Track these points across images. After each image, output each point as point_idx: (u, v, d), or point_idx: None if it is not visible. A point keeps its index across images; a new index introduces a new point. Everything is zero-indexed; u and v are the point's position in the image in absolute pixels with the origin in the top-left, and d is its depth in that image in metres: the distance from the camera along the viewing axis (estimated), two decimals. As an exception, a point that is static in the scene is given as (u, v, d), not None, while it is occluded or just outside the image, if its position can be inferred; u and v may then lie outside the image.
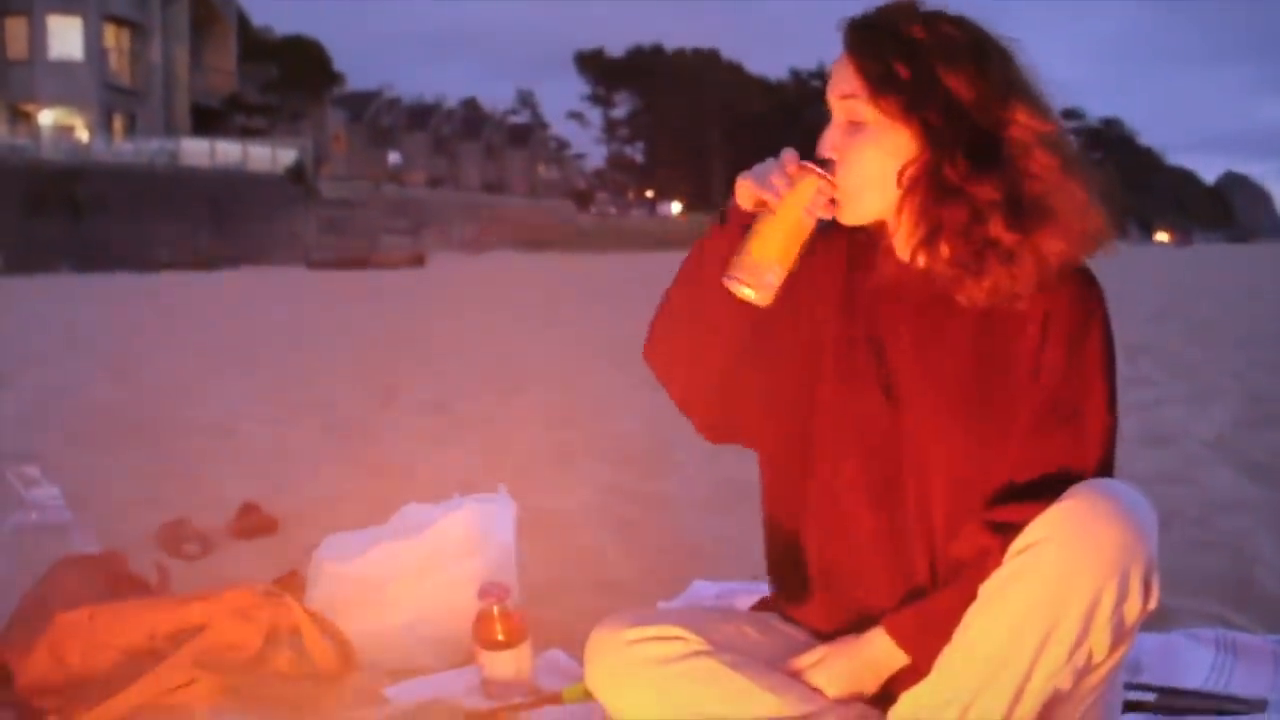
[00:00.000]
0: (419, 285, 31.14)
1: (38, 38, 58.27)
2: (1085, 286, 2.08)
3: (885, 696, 2.11)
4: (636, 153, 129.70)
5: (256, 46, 73.76)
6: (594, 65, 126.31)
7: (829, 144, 2.07)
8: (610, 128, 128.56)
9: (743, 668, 2.09)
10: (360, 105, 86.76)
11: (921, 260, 2.08)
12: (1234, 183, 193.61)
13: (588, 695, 2.60)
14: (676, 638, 2.11)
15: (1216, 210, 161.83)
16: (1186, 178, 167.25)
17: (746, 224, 2.02)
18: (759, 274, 1.96)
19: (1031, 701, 1.95)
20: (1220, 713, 2.48)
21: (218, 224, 52.52)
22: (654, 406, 8.03)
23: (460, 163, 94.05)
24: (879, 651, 2.06)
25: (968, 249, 2.01)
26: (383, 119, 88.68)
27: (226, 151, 57.97)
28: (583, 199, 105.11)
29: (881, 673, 2.07)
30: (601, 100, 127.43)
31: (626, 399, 8.42)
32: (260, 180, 57.35)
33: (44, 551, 3.17)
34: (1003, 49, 2.05)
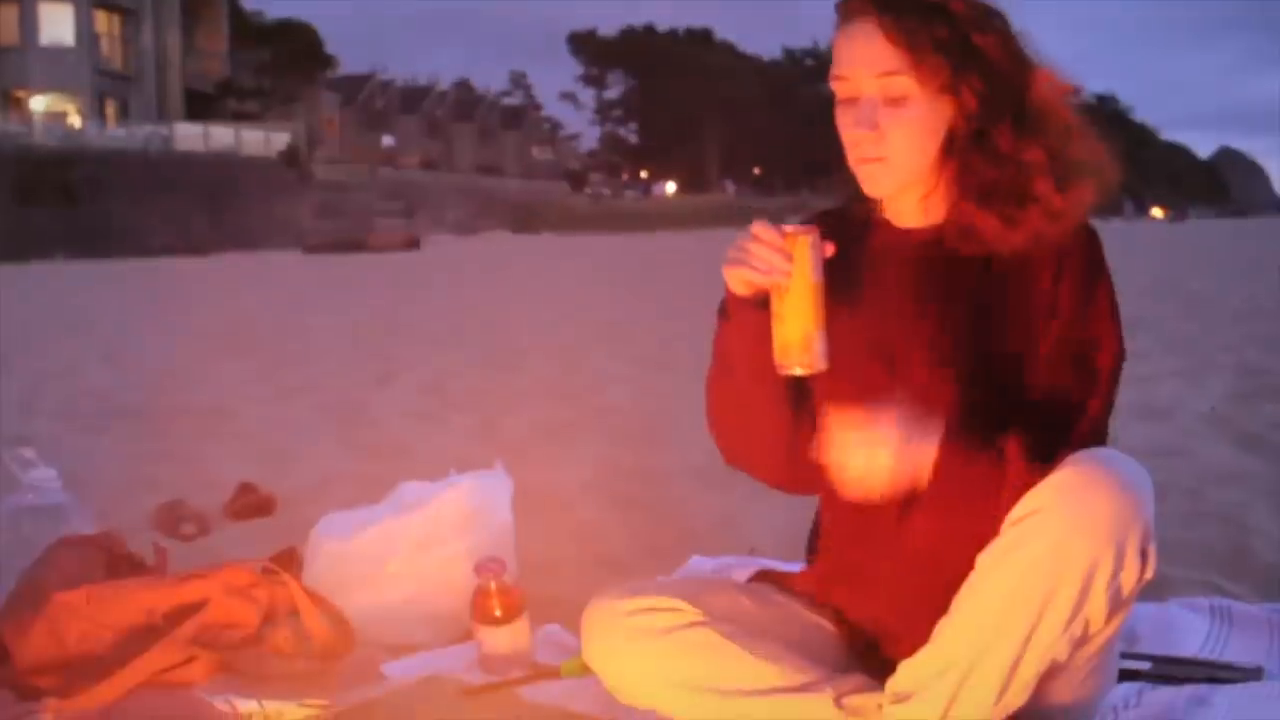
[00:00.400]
0: (414, 267, 31.12)
1: (29, 23, 58.10)
2: (1092, 232, 2.10)
3: (883, 667, 2.12)
4: (630, 133, 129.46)
5: (248, 30, 73.50)
6: (587, 46, 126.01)
7: (866, 120, 2.03)
8: (603, 109, 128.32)
9: (739, 638, 2.09)
10: (353, 88, 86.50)
11: (949, 219, 2.10)
12: (1229, 158, 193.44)
13: (585, 669, 2.61)
14: (673, 608, 2.12)
15: (1211, 186, 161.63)
16: (1181, 154, 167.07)
17: (749, 310, 2.05)
18: (805, 352, 1.98)
19: (1029, 671, 1.96)
20: (1216, 681, 2.48)
21: (212, 209, 52.41)
22: (649, 383, 8.07)
23: (454, 145, 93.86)
24: None
25: (1016, 208, 2.04)
26: (376, 102, 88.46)
27: (220, 136, 57.83)
28: (576, 180, 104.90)
29: None
30: (594, 81, 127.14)
31: (622, 376, 8.43)
32: (254, 164, 57.22)
33: (41, 533, 3.18)
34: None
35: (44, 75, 57.80)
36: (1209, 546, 3.66)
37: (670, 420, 6.41)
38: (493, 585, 2.78)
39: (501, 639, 2.75)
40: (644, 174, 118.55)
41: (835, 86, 2.08)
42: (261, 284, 24.60)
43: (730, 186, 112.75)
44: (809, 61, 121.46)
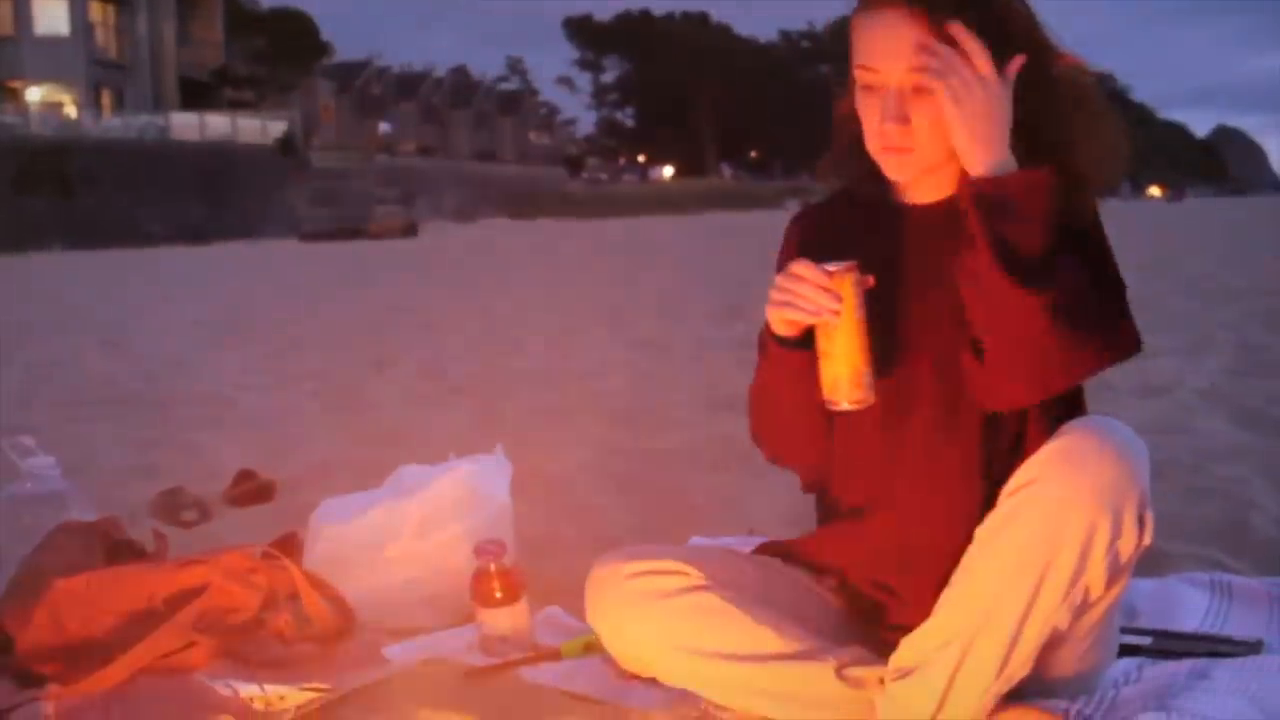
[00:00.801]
0: (412, 254, 31.09)
1: (23, 14, 58.07)
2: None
3: (883, 642, 2.12)
4: (627, 118, 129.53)
5: (243, 18, 73.42)
6: (582, 31, 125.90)
7: (895, 113, 2.02)
8: (600, 93, 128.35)
9: (741, 604, 2.10)
10: (349, 75, 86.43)
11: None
12: (1226, 136, 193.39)
13: (586, 650, 2.62)
14: (677, 572, 2.12)
15: (1209, 164, 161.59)
16: (1178, 132, 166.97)
17: (792, 349, 2.06)
18: (856, 388, 2.00)
19: (1030, 641, 1.97)
20: (1216, 654, 2.48)
21: (209, 197, 52.42)
22: (648, 366, 8.07)
23: (450, 131, 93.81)
24: None
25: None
26: (372, 89, 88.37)
27: (216, 125, 57.81)
28: (574, 165, 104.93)
29: None
30: (591, 66, 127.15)
31: (621, 359, 8.43)
32: (250, 153, 57.19)
33: (40, 520, 3.17)
34: None
35: (39, 65, 57.76)
36: (1210, 522, 3.66)
37: (669, 403, 6.42)
38: (493, 567, 2.78)
39: (502, 621, 2.75)
40: (641, 158, 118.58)
41: (860, 75, 2.06)
42: (259, 272, 24.59)
43: (727, 170, 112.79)
44: (805, 44, 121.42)
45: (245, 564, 2.80)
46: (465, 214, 68.97)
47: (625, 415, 6.09)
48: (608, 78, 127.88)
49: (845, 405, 2.01)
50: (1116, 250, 2.10)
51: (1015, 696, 2.03)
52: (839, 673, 2.07)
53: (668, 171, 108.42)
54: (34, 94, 57.55)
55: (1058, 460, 1.93)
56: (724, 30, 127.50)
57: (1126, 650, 2.44)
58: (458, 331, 10.91)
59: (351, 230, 48.23)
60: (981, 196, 1.94)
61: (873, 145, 2.08)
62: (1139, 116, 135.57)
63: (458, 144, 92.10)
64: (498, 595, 2.76)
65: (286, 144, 59.82)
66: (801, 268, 1.98)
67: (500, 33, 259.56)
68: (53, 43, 58.21)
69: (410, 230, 49.25)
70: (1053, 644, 2.00)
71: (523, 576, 2.82)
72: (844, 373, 1.99)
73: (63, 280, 23.00)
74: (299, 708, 2.49)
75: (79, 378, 8.56)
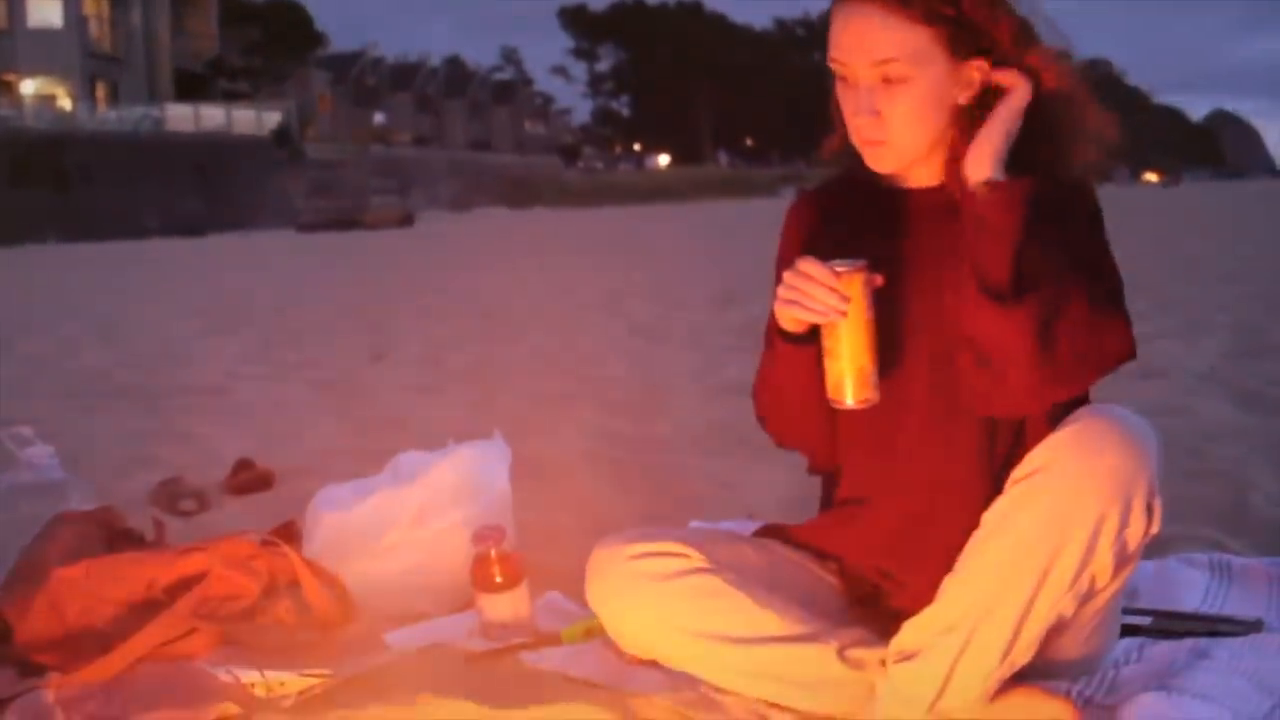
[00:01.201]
0: (408, 244, 31.07)
1: (17, 7, 57.89)
2: (1089, 190, 2.10)
3: (884, 623, 2.12)
4: (622, 106, 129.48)
5: (237, 9, 73.27)
6: (577, 20, 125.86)
7: (866, 107, 2.03)
8: (595, 82, 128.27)
9: (743, 586, 2.10)
10: (344, 66, 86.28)
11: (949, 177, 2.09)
12: (1222, 121, 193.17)
13: (587, 635, 2.62)
14: (678, 554, 2.12)
15: (1205, 149, 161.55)
16: (1174, 116, 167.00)
17: (799, 346, 2.07)
18: (861, 387, 2.00)
19: (1035, 627, 1.96)
20: (1216, 634, 2.48)
21: (205, 189, 52.32)
22: (645, 353, 8.07)
23: (445, 121, 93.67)
24: None
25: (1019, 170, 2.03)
26: (367, 79, 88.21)
27: (211, 116, 57.69)
28: (569, 154, 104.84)
29: None
30: (586, 54, 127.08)
31: (618, 346, 8.43)
32: (246, 144, 57.09)
33: (39, 510, 3.17)
34: None
35: (33, 58, 57.60)
36: (1209, 503, 3.66)
37: (668, 389, 6.42)
38: (492, 553, 2.78)
39: (502, 606, 2.75)
40: (637, 147, 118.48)
41: (833, 68, 2.07)
42: (256, 263, 24.56)
43: (724, 158, 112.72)
44: (800, 31, 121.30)
45: (245, 551, 2.80)
46: (461, 204, 68.92)
47: (624, 401, 6.09)
48: (603, 66, 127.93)
49: (850, 404, 2.01)
50: (1115, 236, 2.10)
51: (1016, 677, 2.03)
52: (840, 654, 2.07)
53: (664, 160, 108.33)
54: (28, 87, 57.43)
55: (1068, 447, 1.92)
56: (719, 18, 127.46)
57: (1127, 630, 2.44)
58: (455, 319, 10.91)
59: (348, 221, 48.18)
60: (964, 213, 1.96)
61: (853, 139, 2.10)
62: (1135, 102, 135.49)
63: (453, 134, 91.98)
64: (498, 581, 2.76)
65: (282, 135, 59.72)
66: (810, 266, 1.96)
67: (495, 22, 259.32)
68: (47, 35, 58.07)
69: (406, 220, 49.21)
70: (1056, 629, 2.00)
71: (522, 562, 2.82)
72: (849, 372, 1.99)
73: (59, 273, 22.96)
74: (300, 694, 2.49)
75: (77, 369, 8.55)
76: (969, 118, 2.04)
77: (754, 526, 2.48)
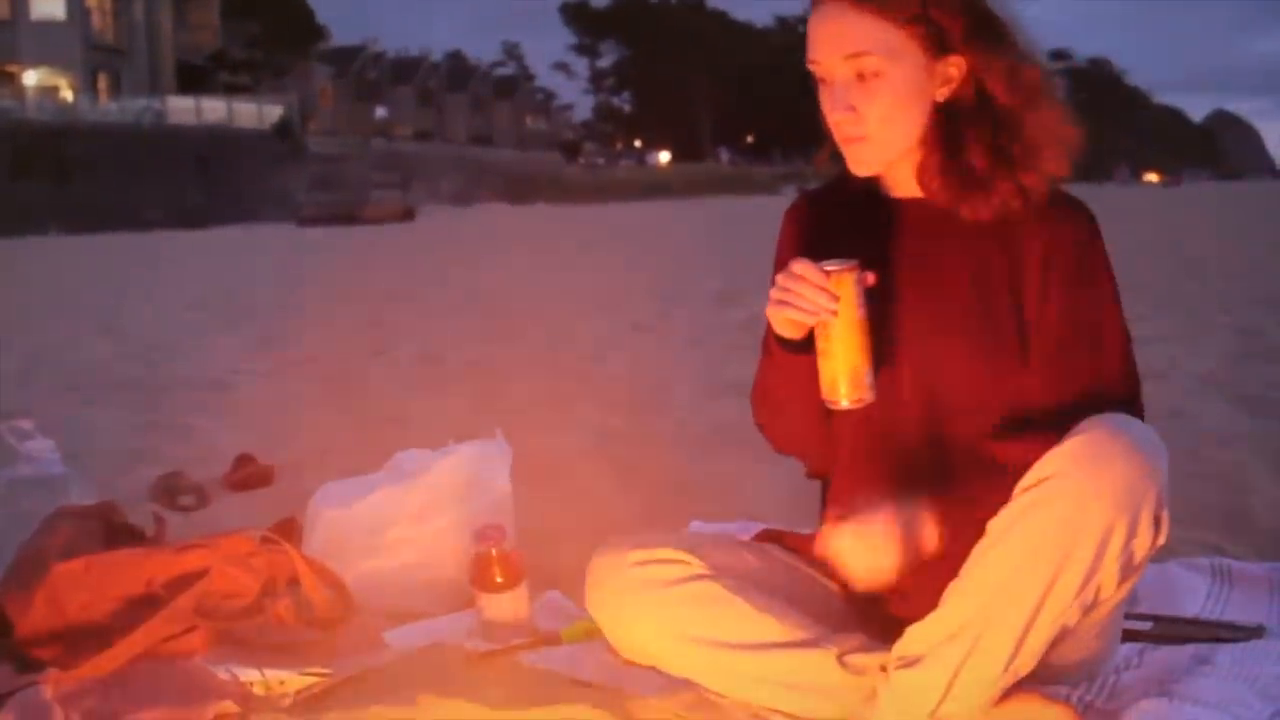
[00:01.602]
0: (409, 238, 31.05)
1: (19, -2, 57.91)
2: (1080, 211, 2.10)
3: (885, 628, 2.12)
4: (623, 103, 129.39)
5: (239, 3, 73.27)
6: (579, 16, 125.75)
7: (842, 103, 2.05)
8: (596, 78, 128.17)
9: (742, 592, 2.09)
10: (345, 60, 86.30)
11: (938, 186, 2.10)
12: (1222, 121, 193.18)
13: (586, 635, 2.61)
14: (677, 560, 2.12)
15: (1205, 149, 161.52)
16: (1175, 116, 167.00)
17: (795, 351, 2.06)
18: (855, 387, 2.00)
19: (1039, 637, 1.95)
20: (1217, 640, 2.48)
21: (206, 182, 52.33)
22: (647, 351, 8.06)
23: (447, 116, 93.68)
24: None
25: (982, 178, 2.06)
26: (368, 73, 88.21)
27: (213, 109, 57.73)
28: (570, 150, 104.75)
29: None
30: (587, 50, 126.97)
31: (619, 344, 8.43)
32: (247, 137, 57.12)
33: (39, 504, 3.16)
34: None
35: (35, 50, 57.65)
36: (1210, 507, 3.66)
37: (669, 387, 6.41)
38: (493, 552, 2.77)
39: (502, 605, 2.75)
40: (638, 143, 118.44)
41: (811, 69, 2.10)
42: (257, 256, 24.54)
43: (724, 155, 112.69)
44: (801, 29, 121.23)
45: (245, 548, 2.80)
46: (462, 198, 68.88)
47: (624, 400, 6.08)
48: (604, 63, 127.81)
49: (845, 404, 2.01)
50: (1115, 239, 2.10)
51: (1017, 682, 2.02)
52: (840, 660, 2.06)
53: (664, 156, 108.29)
54: (30, 78, 57.48)
55: (1077, 457, 1.91)
56: (720, 15, 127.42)
57: (1128, 635, 2.43)
58: (456, 316, 10.90)
59: (349, 215, 48.13)
60: None
61: (836, 139, 2.12)
62: (1135, 102, 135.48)
63: (454, 129, 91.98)
64: (498, 580, 2.75)
65: (283, 128, 59.72)
66: (800, 267, 1.97)
67: (496, 17, 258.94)
68: (49, 27, 58.10)
69: (408, 215, 49.16)
70: (1059, 636, 1.99)
71: (523, 561, 2.81)
72: (843, 371, 1.99)
73: (60, 265, 22.96)
74: (299, 692, 2.48)
75: (77, 362, 8.55)
76: (949, 115, 2.06)
77: (754, 528, 2.48)
